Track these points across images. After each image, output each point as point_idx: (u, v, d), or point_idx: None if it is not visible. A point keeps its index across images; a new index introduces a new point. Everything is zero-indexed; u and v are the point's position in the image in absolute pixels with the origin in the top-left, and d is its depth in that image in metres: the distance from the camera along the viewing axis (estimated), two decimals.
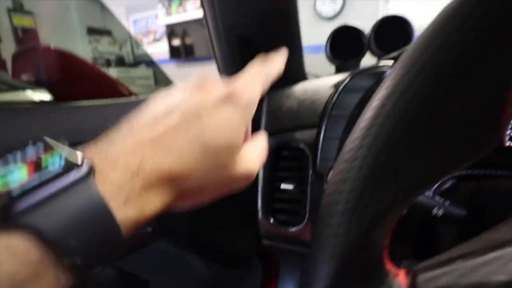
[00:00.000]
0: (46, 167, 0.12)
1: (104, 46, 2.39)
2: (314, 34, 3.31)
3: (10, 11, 3.19)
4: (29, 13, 3.32)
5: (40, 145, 0.13)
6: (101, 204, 0.13)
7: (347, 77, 0.28)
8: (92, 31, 2.13)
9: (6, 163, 0.12)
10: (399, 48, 0.45)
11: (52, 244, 0.11)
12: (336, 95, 0.28)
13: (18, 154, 0.12)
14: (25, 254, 0.11)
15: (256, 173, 0.19)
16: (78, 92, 0.47)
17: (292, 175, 0.33)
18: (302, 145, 0.31)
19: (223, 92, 0.18)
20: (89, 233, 0.12)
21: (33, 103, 0.45)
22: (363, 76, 0.28)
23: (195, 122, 0.17)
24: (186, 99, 0.18)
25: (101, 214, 0.13)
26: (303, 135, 0.31)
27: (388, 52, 0.45)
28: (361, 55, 0.45)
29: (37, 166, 0.12)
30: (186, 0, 3.85)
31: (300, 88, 0.34)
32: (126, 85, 0.52)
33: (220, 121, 0.17)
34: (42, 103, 0.47)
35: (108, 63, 2.68)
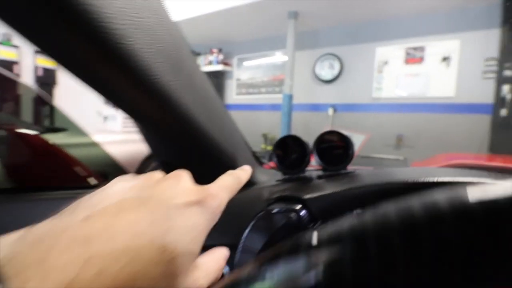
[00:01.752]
0: None
1: None
2: (313, 94, 3.59)
3: None
4: (15, 46, 3.45)
5: None
6: None
7: (257, 215, 0.34)
8: None
9: None
10: (341, 163, 0.50)
11: None
12: (245, 234, 0.33)
13: None
14: None
15: None
16: (39, 178, 0.48)
17: None
18: None
19: (196, 194, 0.17)
20: None
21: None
22: (270, 217, 0.34)
23: (162, 220, 0.15)
24: (155, 191, 0.16)
25: None
26: None
27: (332, 164, 0.50)
28: (303, 165, 0.51)
29: None
30: (198, 56, 4.24)
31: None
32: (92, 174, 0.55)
33: (186, 223, 0.15)
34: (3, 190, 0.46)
35: None
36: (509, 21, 2.30)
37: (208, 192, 0.18)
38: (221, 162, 0.37)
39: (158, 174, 0.18)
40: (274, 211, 0.33)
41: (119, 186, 0.16)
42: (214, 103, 0.35)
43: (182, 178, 0.18)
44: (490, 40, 2.46)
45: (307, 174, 0.52)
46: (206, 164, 0.36)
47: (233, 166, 0.40)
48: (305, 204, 0.32)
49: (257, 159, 0.65)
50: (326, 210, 0.30)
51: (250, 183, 0.51)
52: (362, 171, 0.50)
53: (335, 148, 0.53)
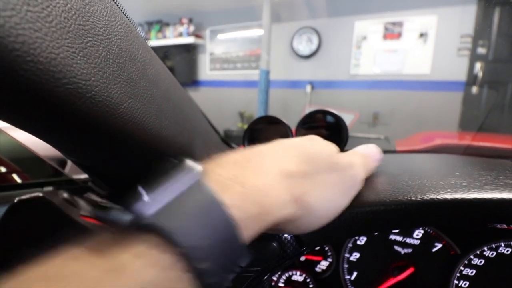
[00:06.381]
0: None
1: None
2: (291, 70, 3.47)
3: None
4: None
5: None
6: (214, 201, 0.13)
7: None
8: None
9: None
10: None
11: (181, 247, 0.12)
12: None
13: None
14: (160, 260, 0.11)
15: None
16: None
17: None
18: None
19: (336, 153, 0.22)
20: (210, 231, 0.12)
21: None
22: None
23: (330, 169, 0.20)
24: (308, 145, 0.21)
25: (216, 210, 0.13)
26: None
27: None
28: None
29: None
30: (166, 26, 3.89)
31: None
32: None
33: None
34: None
35: None
36: None
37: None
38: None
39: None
40: None
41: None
42: (168, 93, 0.23)
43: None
44: (466, 17, 2.45)
45: None
46: (151, 165, 0.25)
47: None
48: None
49: (227, 145, 0.54)
50: (318, 233, 0.20)
51: None
52: None
53: (321, 130, 0.44)
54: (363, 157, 0.24)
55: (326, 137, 0.42)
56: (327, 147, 0.22)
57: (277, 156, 0.18)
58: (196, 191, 0.13)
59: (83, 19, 0.14)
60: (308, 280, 0.40)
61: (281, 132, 0.42)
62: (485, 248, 0.33)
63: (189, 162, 0.14)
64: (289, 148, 0.19)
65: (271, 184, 0.16)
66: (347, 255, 0.38)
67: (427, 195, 0.19)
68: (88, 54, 0.14)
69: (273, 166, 0.17)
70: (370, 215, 0.20)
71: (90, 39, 0.14)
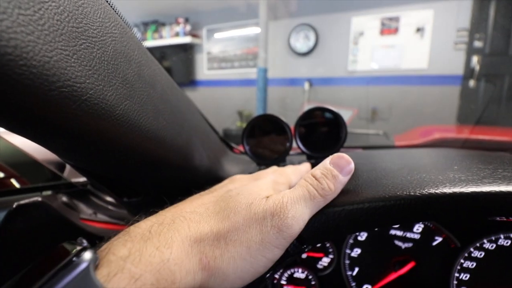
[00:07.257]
0: None
1: None
2: (289, 68, 3.46)
3: None
4: None
5: None
6: None
7: None
8: None
9: None
10: (331, 148, 0.41)
11: None
12: None
13: None
14: None
15: None
16: None
17: None
18: None
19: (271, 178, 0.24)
20: None
21: None
22: None
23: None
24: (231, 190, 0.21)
25: None
26: None
27: (318, 149, 0.41)
28: (283, 154, 0.41)
29: None
30: (162, 26, 3.87)
31: None
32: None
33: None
34: None
35: None
36: None
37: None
38: (174, 162, 0.26)
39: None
40: None
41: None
42: (165, 93, 0.23)
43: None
44: (462, 10, 2.45)
45: (287, 163, 0.43)
46: (152, 170, 0.25)
47: (190, 162, 0.29)
48: None
49: (226, 144, 0.54)
50: (319, 231, 0.20)
51: (217, 178, 0.40)
52: (354, 159, 0.41)
53: (320, 128, 0.44)
54: (313, 184, 0.20)
55: (325, 134, 0.42)
56: (253, 194, 0.19)
57: (193, 216, 0.18)
58: (77, 284, 0.12)
59: (76, 21, 0.14)
60: (310, 277, 0.40)
61: (280, 130, 0.42)
62: (485, 241, 0.33)
63: (84, 249, 0.14)
64: (211, 204, 0.19)
65: (174, 255, 0.15)
66: (348, 251, 0.38)
67: (426, 190, 0.19)
68: (82, 56, 0.14)
69: (183, 232, 0.16)
70: (369, 211, 0.20)
71: (84, 41, 0.14)
